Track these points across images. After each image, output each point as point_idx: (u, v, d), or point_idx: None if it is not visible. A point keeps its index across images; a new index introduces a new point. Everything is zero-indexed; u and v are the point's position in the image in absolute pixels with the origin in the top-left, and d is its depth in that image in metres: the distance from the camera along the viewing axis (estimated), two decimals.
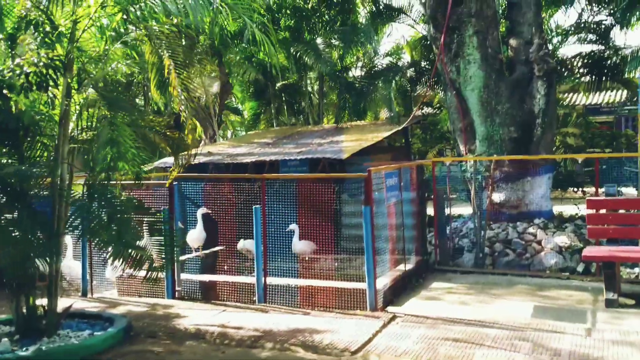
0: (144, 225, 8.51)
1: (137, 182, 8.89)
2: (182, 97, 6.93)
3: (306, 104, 18.99)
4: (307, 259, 10.87)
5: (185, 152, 8.15)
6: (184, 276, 10.12)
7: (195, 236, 11.34)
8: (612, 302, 8.19)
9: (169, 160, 14.20)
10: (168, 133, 7.92)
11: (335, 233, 10.60)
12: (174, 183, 9.94)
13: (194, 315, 8.70)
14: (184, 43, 7.89)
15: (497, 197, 12.15)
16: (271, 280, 9.43)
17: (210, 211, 11.14)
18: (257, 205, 9.29)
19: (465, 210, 13.60)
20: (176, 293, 9.92)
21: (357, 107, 17.22)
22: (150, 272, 7.86)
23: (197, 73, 11.52)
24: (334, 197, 10.89)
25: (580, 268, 10.72)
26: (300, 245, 11.17)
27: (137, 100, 19.24)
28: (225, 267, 10.16)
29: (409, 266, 10.20)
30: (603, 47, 15.27)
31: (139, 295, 10.07)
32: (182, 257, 10.63)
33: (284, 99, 19.09)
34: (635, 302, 8.47)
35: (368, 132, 14.13)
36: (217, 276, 10.02)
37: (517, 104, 12.44)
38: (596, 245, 9.75)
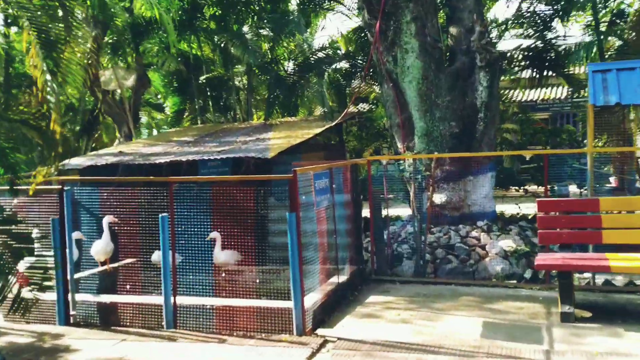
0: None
1: (10, 188, 7.39)
2: (48, 80, 5.42)
3: (233, 99, 17.55)
4: (228, 271, 9.55)
5: (58, 151, 6.59)
6: (79, 297, 8.56)
7: (101, 247, 9.83)
8: (569, 315, 7.29)
9: (75, 160, 12.50)
10: (38, 125, 6.34)
11: (260, 242, 9.28)
12: (65, 188, 8.37)
13: (86, 348, 7.24)
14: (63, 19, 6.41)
15: (438, 198, 11.17)
16: (182, 301, 8.05)
17: (117, 219, 9.64)
18: (165, 214, 7.87)
19: (404, 212, 12.61)
20: (70, 318, 8.38)
21: (288, 103, 15.96)
22: (18, 299, 6.36)
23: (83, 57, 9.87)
24: (257, 201, 9.60)
25: (527, 274, 9.88)
26: (222, 256, 9.86)
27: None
28: (128, 286, 8.63)
29: (343, 278, 9.03)
30: (543, 41, 14.63)
31: (26, 321, 8.43)
32: (78, 275, 9.09)
33: (209, 93, 17.58)
34: (592, 314, 7.62)
35: (299, 129, 12.88)
36: (117, 296, 8.51)
37: (459, 96, 11.52)
38: (547, 252, 8.87)
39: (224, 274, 9.60)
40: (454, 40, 12.06)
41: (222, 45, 15.71)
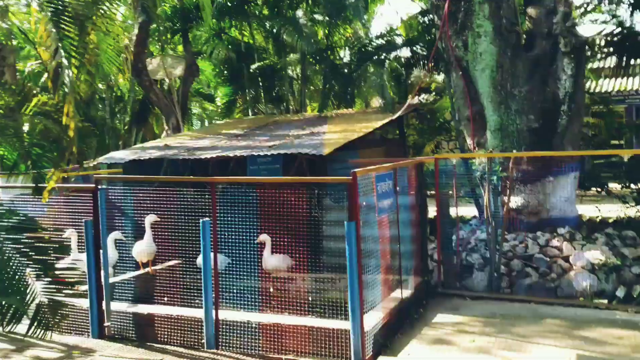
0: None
1: (36, 187, 6.66)
2: (64, 59, 4.53)
3: (286, 89, 16.60)
4: (277, 279, 8.66)
5: (72, 149, 5.76)
6: (115, 306, 7.80)
7: (144, 249, 9.14)
8: None
9: (118, 154, 11.85)
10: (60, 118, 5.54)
11: (313, 247, 8.30)
12: (100, 187, 7.61)
13: None
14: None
15: (513, 201, 9.88)
16: (225, 315, 7.16)
17: (159, 218, 8.87)
18: (206, 219, 6.97)
19: (467, 212, 11.36)
20: (105, 329, 7.63)
21: (344, 94, 14.90)
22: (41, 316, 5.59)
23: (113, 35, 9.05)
24: (310, 202, 8.63)
25: (620, 293, 8.53)
26: (272, 261, 9.04)
27: None
28: (166, 298, 7.82)
29: (407, 292, 7.95)
30: (627, 27, 13.01)
31: (59, 331, 7.74)
32: (115, 279, 8.37)
33: (261, 83, 16.69)
34: None
35: (356, 122, 11.82)
36: (155, 307, 7.70)
37: (538, 86, 10.17)
38: None
39: (273, 282, 8.73)
40: (532, 23, 10.66)
41: (275, 31, 14.75)
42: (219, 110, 18.62)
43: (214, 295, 7.09)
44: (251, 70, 16.05)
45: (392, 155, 11.84)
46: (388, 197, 7.17)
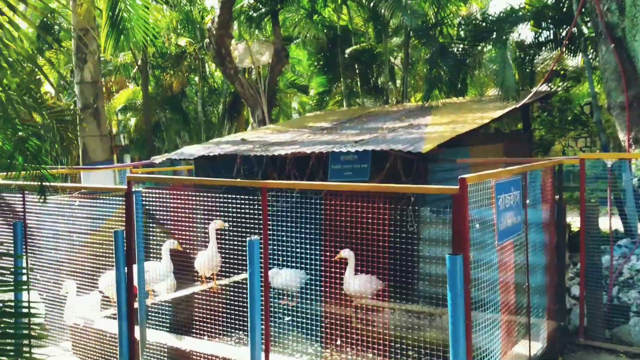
0: None
1: (40, 187, 5.15)
2: None
3: (386, 78, 14.47)
4: (361, 305, 6.85)
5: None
6: (151, 335, 6.20)
7: (206, 260, 7.73)
8: None
9: (189, 149, 10.42)
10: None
11: (406, 270, 6.26)
12: (135, 190, 6.01)
13: None
14: None
15: None
16: None
17: (226, 224, 7.30)
18: (255, 237, 5.12)
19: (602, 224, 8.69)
20: None
21: (455, 81, 12.53)
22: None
23: None
24: (403, 214, 6.57)
25: None
26: (356, 283, 7.14)
27: None
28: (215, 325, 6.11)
29: (537, 346, 5.68)
30: None
31: (93, 356, 6.35)
32: (150, 301, 6.86)
33: (357, 71, 14.72)
34: None
35: (468, 112, 9.52)
36: (195, 341, 6.02)
37: None
38: None
39: (355, 310, 6.90)
40: None
41: (375, 9, 12.69)
42: (313, 102, 16.97)
43: (263, 334, 5.24)
44: (346, 55, 14.10)
45: (514, 154, 9.44)
46: (513, 213, 4.93)
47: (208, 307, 6.55)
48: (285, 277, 7.93)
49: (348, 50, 14.05)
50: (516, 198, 5.01)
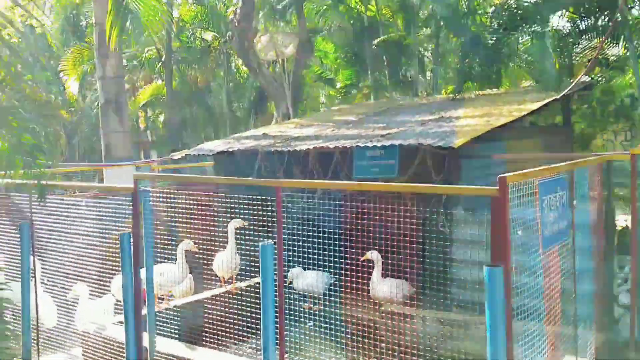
0: None
1: (40, 186, 4.76)
2: None
3: (415, 69, 13.86)
4: (389, 312, 6.41)
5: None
6: (161, 343, 5.81)
7: (224, 260, 7.41)
8: None
9: (209, 145, 10.04)
10: None
11: (437, 275, 5.74)
12: (142, 189, 5.59)
13: None
14: None
15: None
16: None
17: (245, 224, 6.94)
18: (268, 242, 4.63)
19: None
20: None
21: (488, 72, 11.86)
22: None
23: None
24: (433, 213, 6.03)
25: None
26: (384, 287, 6.61)
27: None
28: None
29: None
30: None
31: None
32: (165, 305, 6.47)
33: (385, 63, 14.14)
34: None
35: (503, 104, 8.89)
36: (205, 352, 5.60)
37: None
38: None
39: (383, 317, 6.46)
40: None
41: None
42: (339, 96, 16.46)
43: (278, 346, 4.77)
44: (374, 47, 13.54)
45: (553, 149, 8.79)
46: (559, 216, 4.35)
47: (225, 312, 6.14)
48: (309, 280, 7.51)
49: (376, 41, 13.48)
50: (562, 199, 4.43)
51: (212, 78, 18.60)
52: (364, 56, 14.27)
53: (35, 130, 4.73)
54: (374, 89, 14.25)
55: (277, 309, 4.76)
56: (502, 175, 3.46)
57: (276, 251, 4.67)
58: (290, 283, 7.52)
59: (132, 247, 5.50)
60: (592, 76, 10.61)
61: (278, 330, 4.77)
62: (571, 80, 9.65)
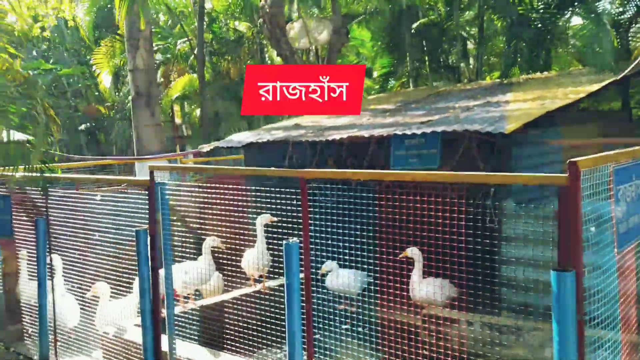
0: None
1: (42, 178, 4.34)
2: None
3: (457, 55, 13.09)
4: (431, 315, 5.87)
5: None
6: (181, 347, 5.34)
7: (254, 258, 6.95)
8: None
9: (238, 137, 9.58)
10: None
11: (485, 275, 5.09)
12: (160, 183, 5.12)
13: None
14: None
15: None
16: None
17: (275, 219, 6.43)
18: (294, 240, 4.09)
19: None
20: None
21: (536, 55, 11.05)
22: None
23: None
24: (480, 207, 5.36)
25: None
26: (424, 288, 6.22)
27: None
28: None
29: None
30: None
31: None
32: (179, 309, 6.03)
33: (425, 49, 13.40)
34: None
35: (556, 87, 8.11)
36: (227, 358, 5.11)
37: None
38: None
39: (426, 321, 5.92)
40: None
41: None
42: (376, 86, 15.80)
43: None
44: (413, 31, 12.83)
45: (611, 136, 7.98)
46: (636, 209, 3.66)
47: (254, 313, 5.64)
48: (344, 279, 6.97)
49: (414, 25, 12.76)
50: (638, 189, 3.73)
51: (245, 70, 18.16)
52: (402, 43, 13.55)
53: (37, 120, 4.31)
54: (413, 77, 13.54)
55: (305, 313, 4.22)
56: (573, 159, 2.82)
57: (302, 249, 4.12)
58: (323, 276, 6.97)
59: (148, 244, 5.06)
60: None
61: (306, 336, 4.23)
62: (629, 62, 8.78)
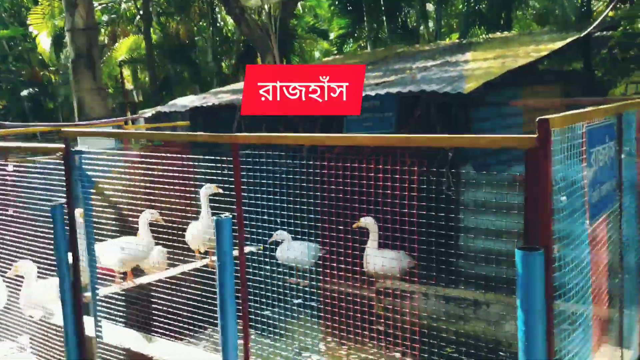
0: None
1: None
2: None
3: (416, 17, 12.60)
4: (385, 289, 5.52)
5: None
6: (107, 328, 4.81)
7: (198, 231, 6.43)
8: None
9: (182, 101, 8.93)
10: None
11: (442, 245, 4.70)
12: (76, 151, 4.49)
13: None
14: None
15: None
16: None
17: (220, 190, 5.88)
18: (225, 215, 3.56)
19: None
20: None
21: (497, 15, 10.65)
22: None
23: None
24: (434, 173, 4.96)
25: None
26: (381, 259, 5.77)
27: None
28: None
29: (628, 355, 4.06)
30: None
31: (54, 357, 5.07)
32: (105, 290, 5.45)
33: (383, 9, 12.85)
34: None
35: (518, 46, 7.70)
36: (163, 344, 4.62)
37: None
38: None
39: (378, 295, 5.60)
40: None
41: None
42: (334, 48, 15.22)
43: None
44: None
45: (574, 95, 7.68)
46: (607, 174, 3.27)
47: (197, 292, 5.13)
48: (295, 251, 6.55)
49: None
50: (611, 151, 3.34)
51: (196, 32, 17.27)
52: (360, 3, 12.97)
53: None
54: (371, 39, 13.01)
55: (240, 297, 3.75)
56: (544, 117, 2.36)
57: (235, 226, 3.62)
58: (271, 244, 6.52)
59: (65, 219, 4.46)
60: (615, 14, 9.36)
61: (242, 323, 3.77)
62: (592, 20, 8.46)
